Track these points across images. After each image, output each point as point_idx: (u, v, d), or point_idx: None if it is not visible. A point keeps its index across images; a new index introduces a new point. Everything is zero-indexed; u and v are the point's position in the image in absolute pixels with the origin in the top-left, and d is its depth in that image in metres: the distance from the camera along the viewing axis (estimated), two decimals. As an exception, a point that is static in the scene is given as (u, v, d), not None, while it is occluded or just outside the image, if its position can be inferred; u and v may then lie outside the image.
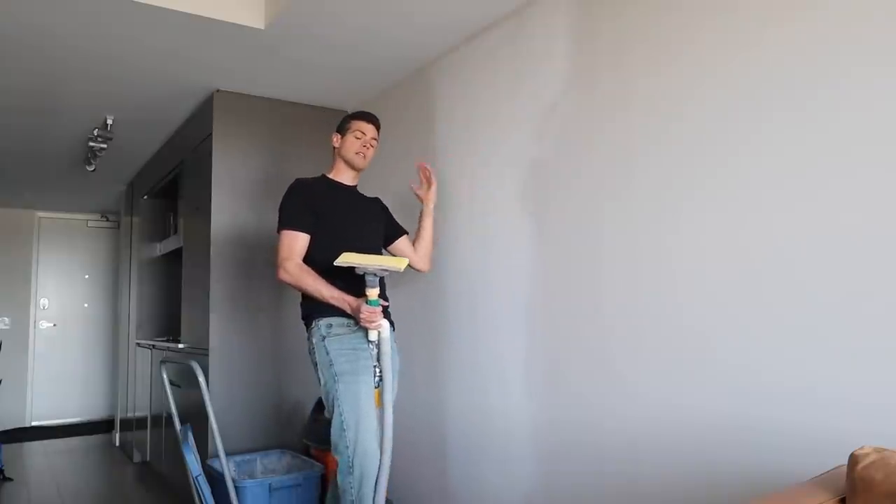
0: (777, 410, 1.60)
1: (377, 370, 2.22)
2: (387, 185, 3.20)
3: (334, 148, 2.50)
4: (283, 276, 2.26)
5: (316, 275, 2.24)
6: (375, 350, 2.21)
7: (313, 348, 2.29)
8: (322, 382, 2.25)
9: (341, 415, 2.16)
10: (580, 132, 2.21)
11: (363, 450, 2.14)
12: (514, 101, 2.50)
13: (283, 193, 2.40)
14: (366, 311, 2.13)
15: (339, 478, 2.20)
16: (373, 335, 2.19)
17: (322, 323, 2.27)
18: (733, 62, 1.74)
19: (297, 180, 2.43)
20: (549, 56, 2.34)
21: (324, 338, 2.25)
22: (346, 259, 2.10)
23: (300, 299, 2.39)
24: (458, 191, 2.78)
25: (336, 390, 2.18)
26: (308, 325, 2.34)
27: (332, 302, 2.22)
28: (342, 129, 2.49)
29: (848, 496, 1.14)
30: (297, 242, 2.29)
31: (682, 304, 1.85)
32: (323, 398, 2.27)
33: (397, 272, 2.16)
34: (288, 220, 2.32)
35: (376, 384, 2.23)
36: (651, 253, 1.95)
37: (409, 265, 2.46)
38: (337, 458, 2.19)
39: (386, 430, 2.16)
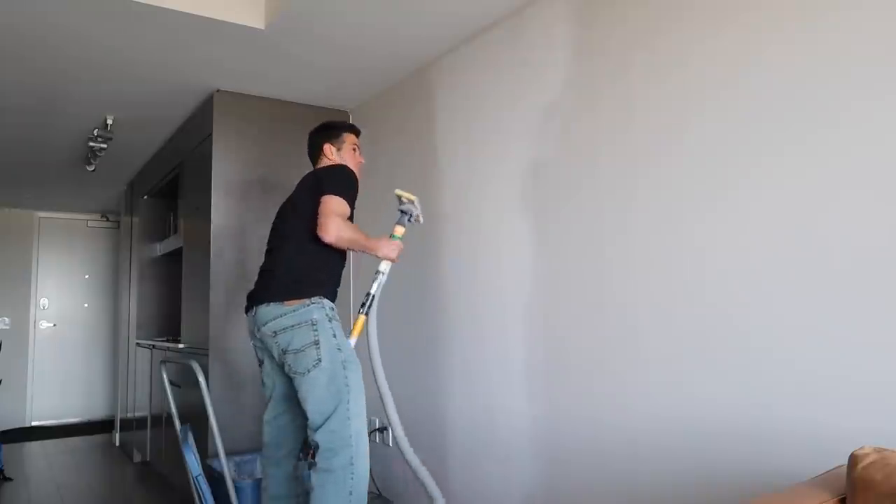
0: (777, 410, 1.60)
1: (369, 298, 2.32)
2: (387, 185, 3.20)
3: (327, 157, 2.43)
4: (336, 227, 2.14)
5: None
6: (381, 279, 2.34)
7: (314, 323, 2.13)
8: (316, 363, 2.09)
9: (348, 402, 2.09)
10: (581, 131, 2.21)
11: (365, 449, 2.11)
12: (515, 101, 2.50)
13: (340, 171, 2.30)
14: (399, 247, 2.33)
15: (329, 472, 2.03)
16: (385, 266, 2.33)
17: (327, 303, 2.21)
18: (736, 63, 1.74)
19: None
20: (549, 55, 2.34)
21: (330, 319, 2.18)
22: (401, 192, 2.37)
23: (295, 273, 2.22)
24: (458, 191, 2.78)
25: (346, 378, 2.12)
26: (307, 295, 2.17)
27: (371, 244, 2.24)
28: (337, 142, 2.45)
29: (848, 496, 1.14)
30: (346, 210, 2.23)
31: (680, 305, 1.85)
32: (310, 380, 2.08)
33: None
34: (345, 192, 2.24)
35: (365, 311, 2.31)
36: (650, 254, 1.95)
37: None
38: (324, 444, 2.05)
39: (378, 377, 2.29)
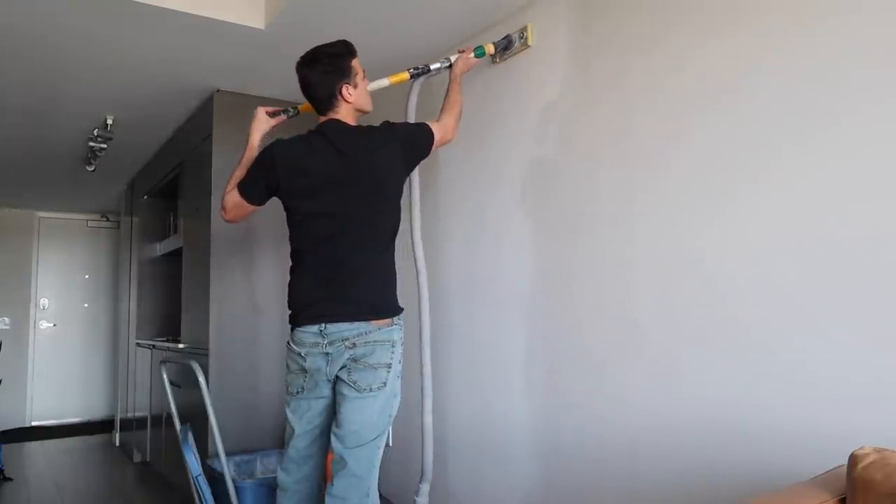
0: (777, 410, 1.60)
1: (425, 67, 2.48)
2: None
3: (346, 101, 2.04)
4: (454, 126, 2.31)
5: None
6: (443, 65, 2.47)
7: (394, 345, 1.95)
8: (381, 386, 1.92)
9: (383, 433, 1.97)
10: (581, 131, 2.21)
11: (376, 479, 2.01)
12: (515, 100, 2.50)
13: (402, 125, 2.18)
14: (473, 64, 2.48)
15: (345, 500, 1.93)
16: (452, 59, 2.47)
17: (401, 322, 2.01)
18: (735, 67, 1.75)
19: None
20: (549, 55, 2.34)
21: (402, 342, 2.00)
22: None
23: (377, 281, 1.98)
24: (458, 191, 2.78)
25: (391, 407, 1.97)
26: (393, 313, 1.98)
27: (459, 93, 2.38)
28: (351, 78, 2.04)
29: (848, 496, 1.14)
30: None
31: (681, 306, 1.85)
32: (367, 400, 1.91)
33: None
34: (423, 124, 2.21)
35: (413, 73, 2.47)
36: (651, 255, 1.95)
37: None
38: (353, 466, 1.92)
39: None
